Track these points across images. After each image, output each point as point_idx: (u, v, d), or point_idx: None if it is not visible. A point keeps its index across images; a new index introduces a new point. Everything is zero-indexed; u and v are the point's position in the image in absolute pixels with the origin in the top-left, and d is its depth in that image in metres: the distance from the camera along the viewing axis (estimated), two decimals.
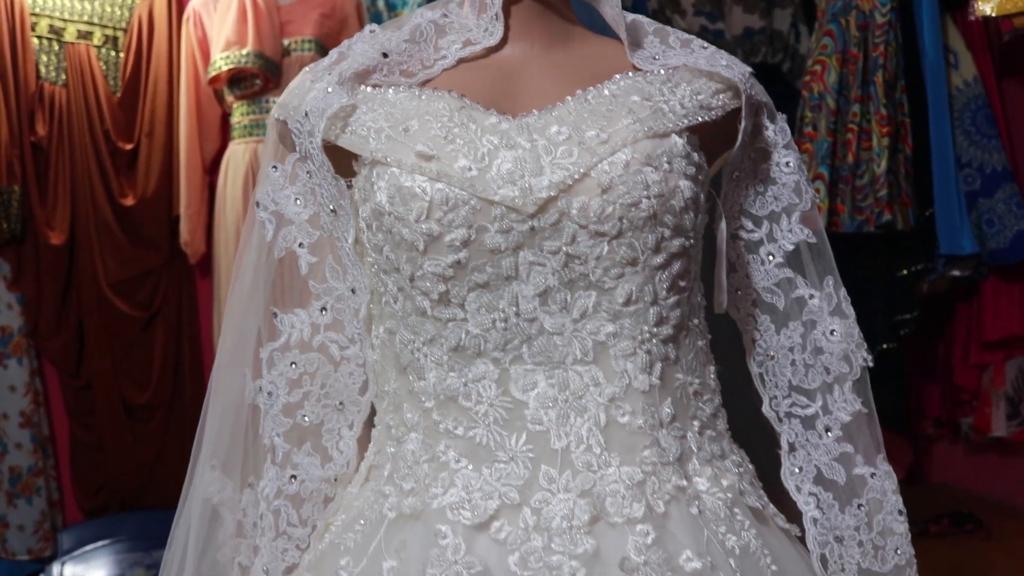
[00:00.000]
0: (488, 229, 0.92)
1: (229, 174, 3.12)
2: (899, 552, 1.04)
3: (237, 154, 3.11)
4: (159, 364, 3.28)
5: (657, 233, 0.94)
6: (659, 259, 0.95)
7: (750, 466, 1.06)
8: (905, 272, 2.80)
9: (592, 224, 0.92)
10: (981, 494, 3.09)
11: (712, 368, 1.04)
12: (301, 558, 1.03)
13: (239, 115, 3.13)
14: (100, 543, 3.16)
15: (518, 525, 0.92)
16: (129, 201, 3.26)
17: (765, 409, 1.09)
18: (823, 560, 1.03)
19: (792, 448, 1.07)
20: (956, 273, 2.80)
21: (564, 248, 0.93)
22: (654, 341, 0.96)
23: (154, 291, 3.28)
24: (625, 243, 0.93)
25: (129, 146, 3.28)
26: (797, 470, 1.07)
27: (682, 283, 0.98)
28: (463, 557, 0.91)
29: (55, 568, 3.18)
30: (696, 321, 1.02)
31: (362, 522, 0.98)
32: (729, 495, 0.98)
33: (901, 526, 1.05)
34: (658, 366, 0.96)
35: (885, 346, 2.83)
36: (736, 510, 0.98)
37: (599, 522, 0.92)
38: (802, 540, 1.05)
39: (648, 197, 0.93)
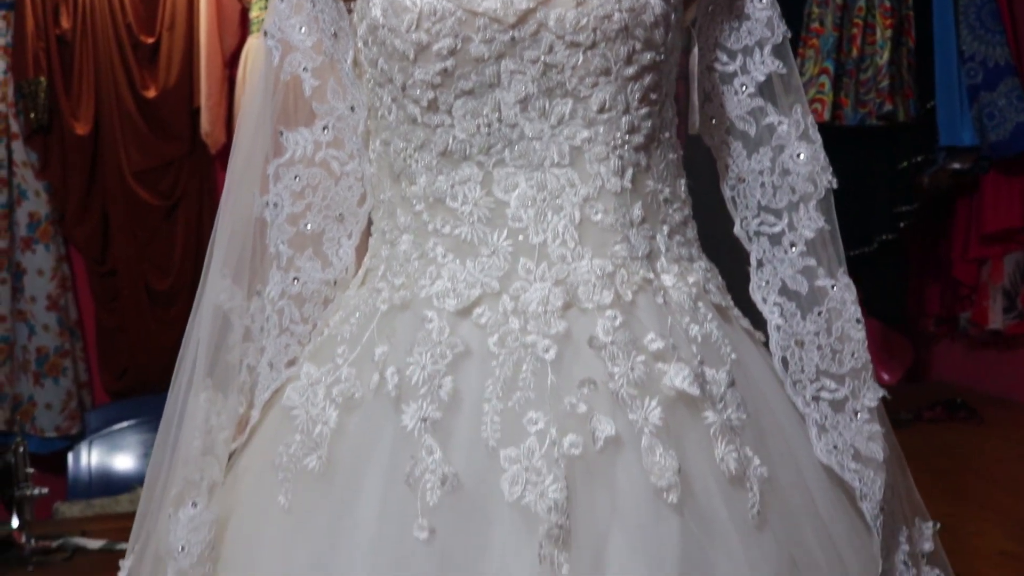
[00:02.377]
0: (472, 39, 0.99)
1: (248, 67, 3.17)
2: (855, 356, 1.11)
3: (256, 47, 3.16)
4: (180, 251, 3.35)
5: (629, 45, 1.01)
6: (631, 70, 1.02)
7: (719, 278, 1.13)
8: (905, 164, 2.85)
9: (568, 35, 0.99)
10: (977, 388, 3.17)
11: (683, 181, 1.11)
12: (302, 351, 1.12)
13: (257, 10, 3.18)
14: (125, 423, 3.26)
15: (498, 310, 0.99)
16: (151, 93, 3.33)
17: (736, 230, 1.16)
18: (784, 362, 1.10)
19: (760, 264, 1.15)
20: (956, 166, 2.85)
21: (542, 57, 1.00)
22: (626, 148, 1.03)
23: (175, 181, 3.35)
24: (599, 53, 1.00)
25: (151, 39, 3.34)
26: (764, 283, 1.14)
27: (653, 96, 1.05)
28: (447, 338, 0.98)
29: (83, 446, 3.29)
30: (667, 135, 1.08)
31: (357, 315, 1.06)
32: (694, 290, 1.05)
33: (858, 333, 1.11)
34: (630, 171, 1.03)
35: (886, 237, 2.89)
36: (700, 304, 1.05)
37: (571, 308, 0.99)
38: (766, 346, 1.13)
39: (620, 10, 0.99)
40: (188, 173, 3.35)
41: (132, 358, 3.35)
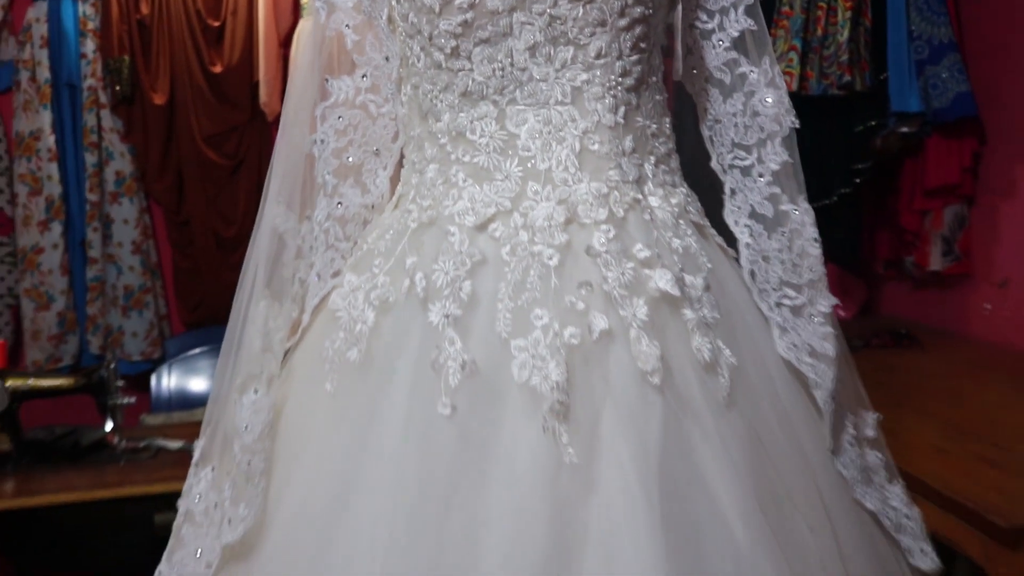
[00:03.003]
0: None
1: (300, 45, 3.17)
2: (812, 270, 1.12)
3: (306, 28, 3.15)
4: (243, 204, 3.37)
5: (622, 0, 1.01)
6: (623, 22, 1.02)
7: (698, 203, 1.13)
8: (861, 128, 2.84)
9: None
10: (919, 321, 3.16)
11: (667, 119, 1.11)
12: (345, 264, 1.13)
13: None
14: (199, 349, 3.28)
15: (509, 225, 1.00)
16: (218, 69, 3.32)
17: (713, 164, 1.16)
18: (752, 274, 1.11)
19: (733, 193, 1.15)
20: (904, 130, 2.83)
21: (548, 10, 1.00)
22: (619, 88, 1.03)
23: (239, 143, 3.36)
24: (596, 7, 1.00)
25: (217, 23, 3.33)
26: (736, 208, 1.14)
27: (642, 45, 1.05)
28: (467, 249, 1.00)
29: (163, 369, 3.33)
30: (654, 79, 1.09)
31: (391, 233, 1.08)
32: (676, 210, 1.06)
33: (815, 250, 1.12)
34: (622, 109, 1.04)
35: (844, 191, 2.88)
36: (681, 221, 1.06)
37: (572, 223, 1.00)
38: (736, 261, 1.14)
39: None
40: (249, 137, 3.36)
41: (204, 294, 3.37)
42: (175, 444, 2.38)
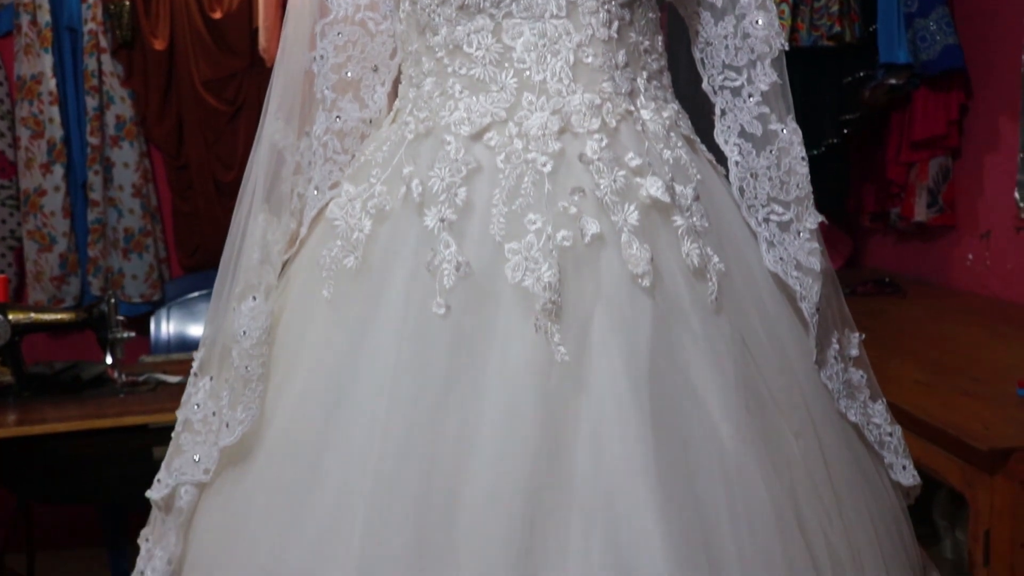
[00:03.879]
0: None
1: None
2: (799, 187, 1.11)
3: None
4: (242, 149, 3.34)
5: None
6: None
7: (688, 120, 1.13)
8: (850, 79, 2.83)
9: None
10: (903, 272, 3.17)
11: (660, 37, 1.11)
12: (342, 176, 1.13)
13: None
14: (197, 293, 3.27)
15: (504, 134, 1.00)
16: (217, 15, 3.29)
17: (704, 85, 1.16)
18: (741, 190, 1.11)
19: (723, 113, 1.15)
20: (892, 81, 2.82)
21: None
22: (613, 4, 1.02)
23: (238, 89, 3.33)
24: None
25: None
26: (726, 128, 1.14)
27: None
28: (462, 156, 0.99)
29: (163, 311, 3.32)
30: None
31: (388, 144, 1.07)
32: (667, 123, 1.06)
33: (802, 168, 1.12)
34: (616, 23, 1.03)
35: (832, 141, 2.88)
36: (672, 134, 1.06)
37: (565, 132, 1.00)
38: (726, 178, 1.13)
39: None
40: (248, 83, 3.33)
41: (202, 238, 3.36)
42: (174, 379, 2.38)
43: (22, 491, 2.47)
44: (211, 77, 3.27)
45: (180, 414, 1.17)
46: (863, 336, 1.21)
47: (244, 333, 1.05)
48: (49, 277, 3.19)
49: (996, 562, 1.43)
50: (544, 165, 0.97)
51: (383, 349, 0.96)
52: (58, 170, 3.18)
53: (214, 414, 1.10)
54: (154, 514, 1.18)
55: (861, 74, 2.80)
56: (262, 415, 1.04)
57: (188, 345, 3.24)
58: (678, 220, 0.98)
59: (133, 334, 2.38)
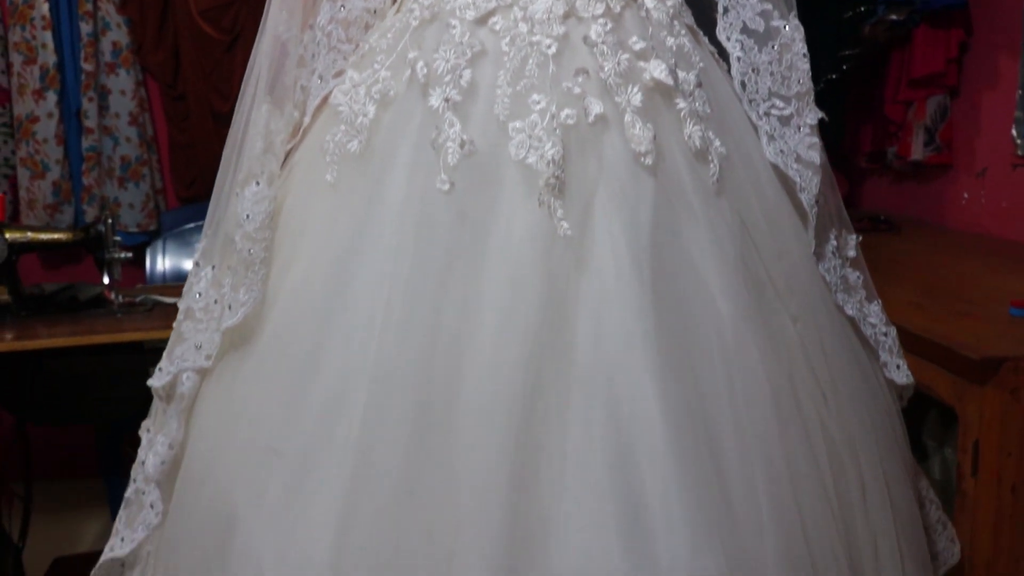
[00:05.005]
0: None
1: None
2: (800, 83, 1.12)
3: None
4: (239, 79, 3.29)
5: None
6: None
7: (691, 16, 1.13)
8: (850, 13, 2.81)
9: None
10: (899, 212, 3.18)
11: None
12: (347, 64, 1.12)
13: None
14: (193, 224, 3.27)
15: (509, 18, 1.00)
16: None
17: None
18: (743, 85, 1.11)
19: (725, 10, 1.14)
20: (893, 17, 2.80)
21: None
22: None
23: (235, 18, 3.29)
24: None
25: None
26: (728, 26, 1.14)
27: None
28: (467, 40, 0.99)
29: (159, 243, 3.32)
30: None
31: (393, 31, 1.07)
32: (671, 11, 1.06)
33: (804, 64, 1.12)
34: None
35: (831, 77, 2.87)
36: (675, 22, 1.06)
37: (570, 17, 1.00)
38: (728, 73, 1.14)
39: None
40: (246, 12, 3.29)
41: (199, 170, 3.35)
42: (171, 300, 2.38)
43: (19, 412, 2.48)
44: (208, 5, 3.23)
45: (181, 303, 1.18)
46: (860, 238, 1.22)
47: (247, 217, 1.06)
48: (43, 205, 3.18)
49: (984, 472, 1.46)
50: (549, 48, 0.97)
51: (386, 229, 0.96)
52: (51, 97, 3.16)
53: (216, 301, 1.11)
54: (155, 405, 1.20)
55: (862, 8, 2.78)
56: (264, 299, 1.05)
57: (184, 275, 3.24)
58: (680, 103, 0.98)
59: (131, 254, 2.38)
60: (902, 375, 1.19)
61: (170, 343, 1.16)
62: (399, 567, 0.86)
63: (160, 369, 1.16)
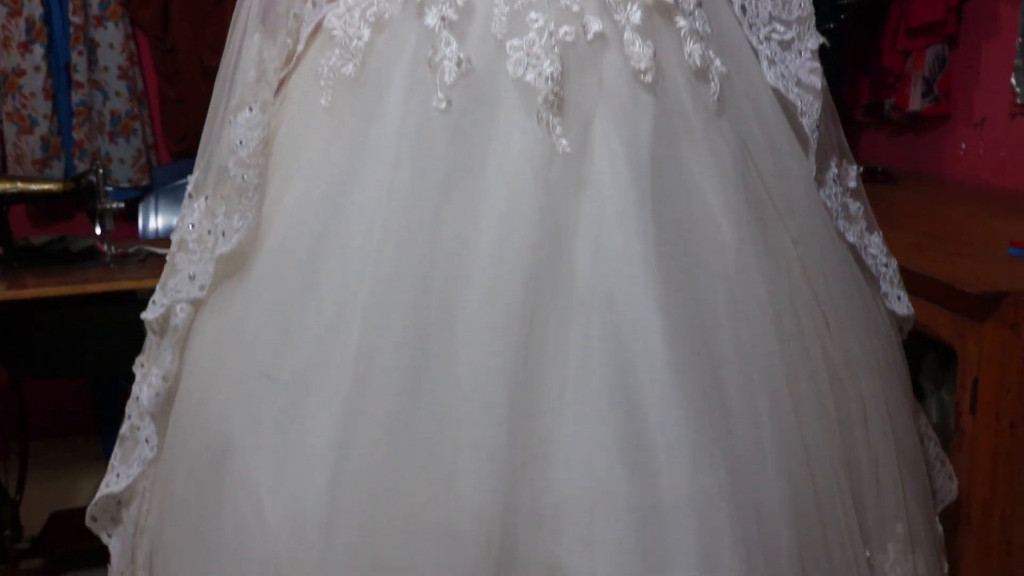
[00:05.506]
0: None
1: None
2: (801, 7, 1.10)
3: None
4: (229, 34, 3.28)
5: None
6: None
7: None
8: None
9: None
10: (896, 166, 3.17)
11: None
12: None
13: None
14: (185, 179, 3.23)
15: None
16: None
17: None
18: (743, 9, 1.09)
19: None
20: None
21: None
22: None
23: None
24: None
25: None
26: None
27: None
28: None
29: (151, 198, 3.29)
30: None
31: None
32: None
33: None
34: None
35: (829, 26, 2.84)
36: None
37: None
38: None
39: None
40: None
41: (189, 125, 3.31)
42: (164, 251, 2.36)
43: (13, 365, 2.47)
44: None
45: (174, 236, 1.16)
46: (861, 168, 1.21)
47: (240, 143, 1.05)
48: (31, 160, 3.15)
49: (983, 409, 1.46)
50: None
51: (383, 150, 0.95)
52: (38, 50, 3.12)
53: (209, 232, 1.09)
54: (149, 340, 1.19)
55: None
56: (258, 226, 1.04)
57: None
58: (680, 21, 0.97)
59: (123, 204, 2.37)
60: (903, 306, 1.18)
61: (163, 276, 1.15)
62: (398, 489, 0.85)
63: (153, 302, 1.15)
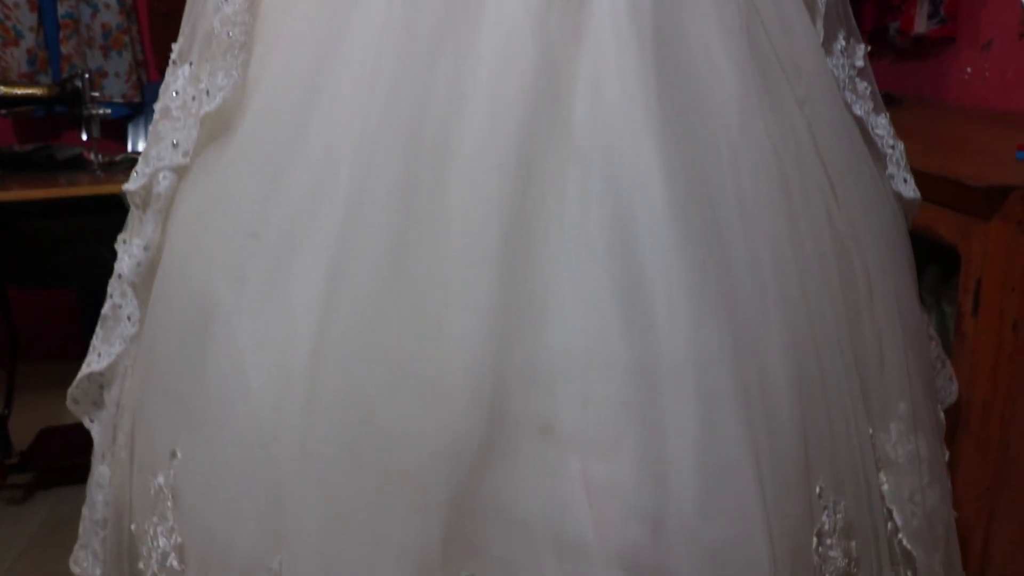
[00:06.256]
0: None
1: None
2: None
3: None
4: None
5: None
6: None
7: None
8: None
9: None
10: (900, 93, 3.12)
11: None
12: None
13: None
14: None
15: None
16: None
17: None
18: None
19: None
20: None
21: None
22: None
23: None
24: None
25: None
26: None
27: None
28: None
29: (140, 119, 3.24)
30: None
31: None
32: None
33: None
34: None
35: None
36: None
37: None
38: None
39: None
40: None
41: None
42: None
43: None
44: None
45: (158, 104, 1.12)
46: (869, 48, 1.17)
47: (226, 1, 1.00)
48: (17, 74, 3.08)
49: (985, 310, 1.43)
50: None
51: (374, 3, 0.90)
52: None
53: (193, 98, 1.05)
54: (131, 215, 1.15)
55: None
56: (244, 86, 0.99)
57: None
58: None
59: (110, 111, 2.32)
60: (909, 189, 1.14)
61: (146, 146, 1.11)
62: (384, 342, 0.82)
63: (136, 173, 1.11)
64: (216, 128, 1.01)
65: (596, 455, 0.80)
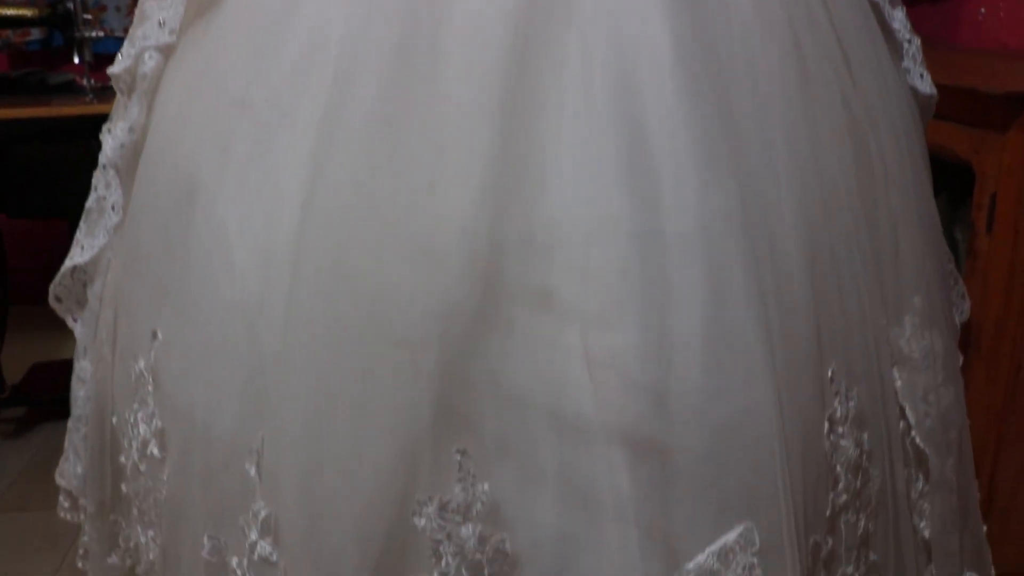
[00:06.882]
0: None
1: None
2: None
3: None
4: None
5: None
6: None
7: None
8: None
9: None
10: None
11: None
12: None
13: None
14: None
15: None
16: None
17: None
18: None
19: None
20: None
21: None
22: None
23: None
24: None
25: None
26: None
27: None
28: None
29: None
30: None
31: None
32: None
33: None
34: None
35: None
36: None
37: None
38: None
39: None
40: None
41: None
42: None
43: None
44: None
45: None
46: None
47: None
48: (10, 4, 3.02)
49: (1000, 225, 1.39)
50: None
51: None
52: None
53: None
54: (116, 103, 1.11)
55: None
56: None
57: None
58: None
59: (103, 34, 2.26)
60: (925, 85, 1.10)
61: (132, 28, 1.06)
62: (374, 199, 0.77)
63: (121, 55, 1.06)
64: (204, 2, 0.96)
65: (597, 326, 0.76)
